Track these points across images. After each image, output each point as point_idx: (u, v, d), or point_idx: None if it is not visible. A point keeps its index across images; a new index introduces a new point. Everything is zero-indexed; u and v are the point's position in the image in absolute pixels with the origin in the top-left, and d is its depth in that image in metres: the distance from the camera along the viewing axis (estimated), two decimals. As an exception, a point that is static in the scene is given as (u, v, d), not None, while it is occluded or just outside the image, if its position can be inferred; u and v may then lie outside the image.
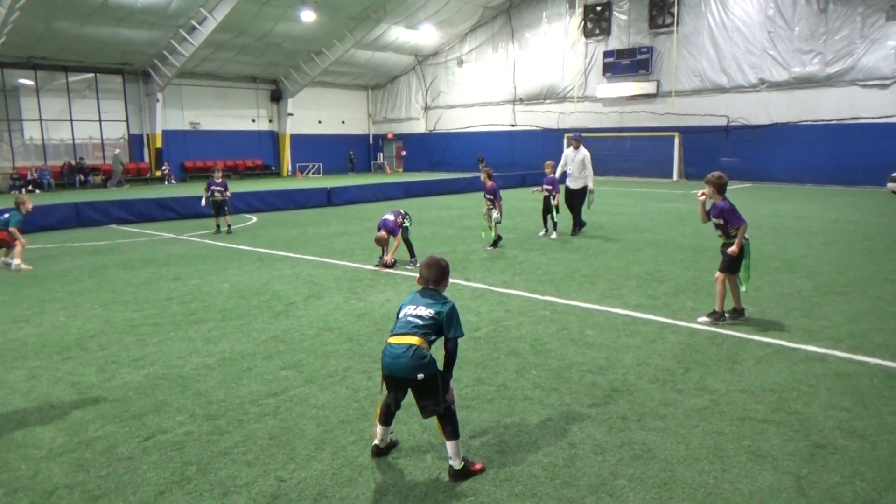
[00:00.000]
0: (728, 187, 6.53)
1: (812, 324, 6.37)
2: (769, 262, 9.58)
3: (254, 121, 38.67)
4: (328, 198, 20.01)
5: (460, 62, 39.14)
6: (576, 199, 12.78)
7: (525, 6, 35.41)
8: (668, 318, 6.62)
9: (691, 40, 29.68)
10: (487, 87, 37.97)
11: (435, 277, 3.74)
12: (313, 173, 39.84)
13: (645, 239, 12.08)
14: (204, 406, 4.53)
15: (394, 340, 3.56)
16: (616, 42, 32.19)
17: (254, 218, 16.66)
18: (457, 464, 3.52)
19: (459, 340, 3.64)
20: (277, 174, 39.09)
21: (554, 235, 12.23)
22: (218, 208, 13.68)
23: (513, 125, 37.25)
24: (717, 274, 6.49)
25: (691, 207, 17.57)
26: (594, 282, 8.42)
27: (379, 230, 9.48)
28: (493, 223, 11.06)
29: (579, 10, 33.11)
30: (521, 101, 36.64)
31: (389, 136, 44.07)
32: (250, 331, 6.38)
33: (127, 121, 33.86)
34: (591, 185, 12.70)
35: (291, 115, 39.10)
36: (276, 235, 13.34)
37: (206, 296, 7.93)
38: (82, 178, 30.77)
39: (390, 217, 9.54)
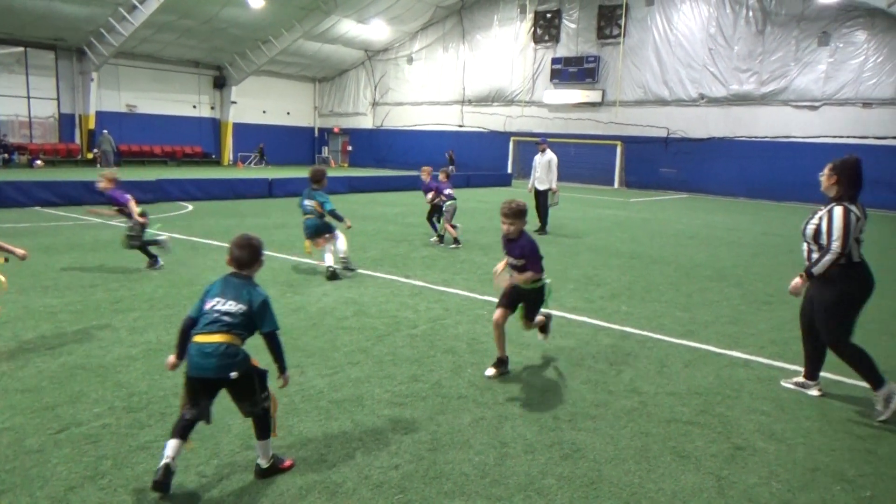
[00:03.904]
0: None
1: (738, 331, 6.60)
2: (701, 271, 9.89)
3: (195, 107, 37.49)
4: (269, 189, 19.58)
5: (410, 60, 39.02)
6: (542, 199, 13.43)
7: (477, 8, 35.59)
8: (602, 322, 6.73)
9: (637, 52, 30.47)
10: (436, 86, 37.97)
11: (248, 258, 3.42)
12: (255, 164, 38.97)
13: (584, 244, 12.30)
14: (124, 398, 4.33)
15: (201, 339, 3.23)
16: (564, 49, 32.74)
17: (189, 206, 16.14)
18: (265, 462, 3.41)
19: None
20: (218, 163, 38.04)
21: (433, 239, 11.70)
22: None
23: (460, 126, 37.37)
24: (525, 324, 5.25)
25: (629, 215, 18.01)
26: (533, 283, 8.48)
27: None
28: (445, 220, 11.24)
29: (530, 16, 33.52)
30: (470, 102, 36.81)
31: (336, 130, 43.51)
32: (179, 321, 6.12)
33: (58, 99, 32.23)
34: (553, 186, 13.38)
35: (235, 103, 38.10)
36: (212, 225, 12.95)
37: (133, 284, 7.60)
38: (6, 156, 29.17)
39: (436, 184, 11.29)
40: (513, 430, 4.08)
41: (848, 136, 25.16)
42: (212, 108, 38.34)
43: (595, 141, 31.95)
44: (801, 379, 5.02)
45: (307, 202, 8.45)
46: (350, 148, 43.08)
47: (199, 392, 3.28)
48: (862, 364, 4.56)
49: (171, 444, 3.21)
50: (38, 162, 29.73)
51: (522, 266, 5.01)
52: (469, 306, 7.15)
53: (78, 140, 32.81)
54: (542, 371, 5.17)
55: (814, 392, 4.89)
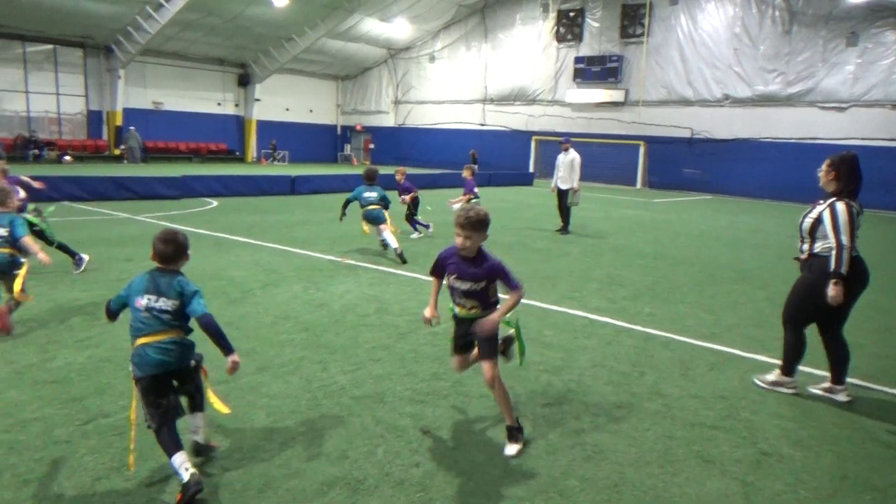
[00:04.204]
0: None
1: (763, 334, 6.50)
2: (725, 273, 9.77)
3: (219, 104, 37.89)
4: (292, 186, 19.72)
5: (432, 58, 39.04)
6: (565, 199, 13.46)
7: (499, 7, 35.50)
8: (625, 322, 6.68)
9: (660, 52, 30.17)
10: (458, 84, 37.96)
11: (173, 254, 3.39)
12: (278, 161, 39.28)
13: (606, 244, 12.21)
14: (150, 391, 4.38)
15: (151, 340, 3.25)
16: (587, 49, 32.52)
17: (214, 202, 16.32)
18: (202, 438, 3.51)
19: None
20: (241, 160, 38.42)
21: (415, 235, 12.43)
22: None
23: (482, 124, 37.32)
24: (487, 369, 3.79)
25: (653, 215, 17.85)
26: (555, 283, 8.46)
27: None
28: None
29: (552, 15, 33.36)
30: (492, 100, 36.74)
31: (358, 127, 43.69)
32: (203, 316, 6.19)
33: (86, 96, 32.81)
34: (575, 185, 13.35)
35: (259, 100, 38.45)
36: (236, 221, 13.08)
37: (159, 278, 7.69)
38: (36, 152, 29.73)
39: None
40: (534, 430, 4.06)
41: (877, 139, 24.66)
42: (236, 105, 38.72)
43: (618, 141, 31.70)
44: (828, 384, 4.94)
45: (367, 195, 10.05)
46: (372, 146, 43.20)
47: (159, 393, 3.27)
48: (793, 349, 4.90)
49: (178, 458, 3.12)
50: (67, 157, 30.27)
51: (483, 289, 3.96)
52: (490, 305, 7.13)
53: (105, 136, 33.34)
54: (564, 372, 5.14)
55: (841, 398, 4.81)
